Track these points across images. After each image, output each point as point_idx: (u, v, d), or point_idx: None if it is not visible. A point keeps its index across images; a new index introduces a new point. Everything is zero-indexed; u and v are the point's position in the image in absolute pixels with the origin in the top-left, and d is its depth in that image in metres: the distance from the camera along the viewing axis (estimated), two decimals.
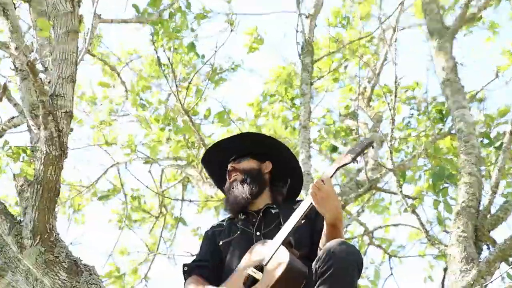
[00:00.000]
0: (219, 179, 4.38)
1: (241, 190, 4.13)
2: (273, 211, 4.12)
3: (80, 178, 8.34)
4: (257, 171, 4.20)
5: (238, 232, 4.07)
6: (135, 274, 8.29)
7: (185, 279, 4.06)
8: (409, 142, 7.22)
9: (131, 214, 8.48)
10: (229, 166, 4.23)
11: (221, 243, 4.09)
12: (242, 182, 4.15)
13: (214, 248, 4.10)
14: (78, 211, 8.51)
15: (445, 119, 6.83)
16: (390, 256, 9.14)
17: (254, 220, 4.09)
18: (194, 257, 4.17)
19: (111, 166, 8.03)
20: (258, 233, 4.02)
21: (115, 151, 7.73)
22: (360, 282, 9.05)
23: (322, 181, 3.79)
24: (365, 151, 3.99)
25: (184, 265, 4.08)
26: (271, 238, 3.85)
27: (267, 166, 4.24)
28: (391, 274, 8.95)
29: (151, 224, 8.65)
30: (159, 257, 8.47)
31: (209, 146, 4.41)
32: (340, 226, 3.80)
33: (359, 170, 8.07)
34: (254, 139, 4.29)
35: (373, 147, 4.03)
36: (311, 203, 3.80)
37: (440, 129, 6.90)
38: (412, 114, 7.60)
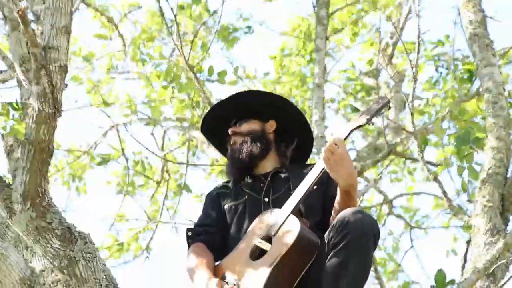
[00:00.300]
0: (223, 147, 4.35)
1: (239, 153, 4.12)
2: (283, 176, 4.11)
3: (77, 142, 8.34)
4: (260, 132, 4.18)
5: (245, 197, 4.06)
6: (136, 243, 8.33)
7: (189, 245, 4.06)
8: (435, 104, 7.17)
9: (134, 179, 8.50)
10: (230, 131, 4.20)
11: (226, 206, 4.09)
12: (242, 144, 4.13)
13: (218, 211, 4.10)
14: (79, 180, 8.52)
15: (474, 79, 6.79)
16: (411, 227, 9.16)
17: (261, 184, 4.08)
18: (197, 221, 4.15)
19: (110, 129, 8.02)
20: (266, 199, 4.02)
21: (114, 112, 7.72)
22: (378, 254, 9.09)
23: (336, 144, 3.78)
24: (382, 112, 3.97)
25: (188, 230, 4.08)
26: (281, 205, 3.85)
27: (271, 125, 4.22)
28: (412, 246, 8.97)
29: (153, 190, 8.66)
30: (162, 226, 8.50)
31: (206, 112, 4.37)
32: (354, 193, 3.79)
33: (379, 133, 8.04)
34: (254, 98, 4.24)
35: (390, 107, 4.00)
36: (323, 168, 3.78)
37: (468, 90, 6.85)
38: (441, 72, 7.53)
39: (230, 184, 4.20)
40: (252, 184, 4.12)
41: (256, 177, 4.14)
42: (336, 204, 3.85)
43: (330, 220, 3.88)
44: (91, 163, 8.39)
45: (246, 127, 4.20)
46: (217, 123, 4.29)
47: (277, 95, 4.38)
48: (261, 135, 4.17)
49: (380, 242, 9.01)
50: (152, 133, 8.50)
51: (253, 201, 4.03)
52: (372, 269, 8.46)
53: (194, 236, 4.06)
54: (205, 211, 4.17)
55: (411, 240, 9.03)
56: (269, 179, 4.09)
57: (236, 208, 4.06)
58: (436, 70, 7.53)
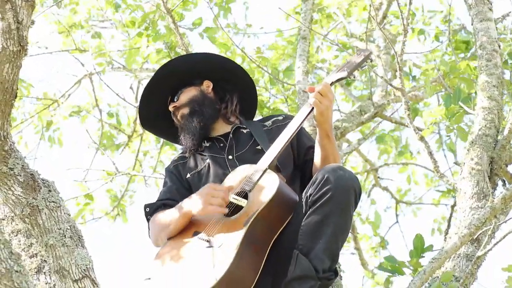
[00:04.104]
0: (170, 135, 4.30)
1: (191, 121, 4.06)
2: (245, 131, 4.09)
3: (48, 90, 8.21)
4: (200, 96, 4.12)
5: (207, 160, 4.01)
6: (113, 201, 8.27)
7: (148, 221, 3.99)
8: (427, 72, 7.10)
9: (108, 133, 8.39)
10: (170, 109, 4.15)
11: (188, 175, 4.04)
12: (192, 113, 4.07)
13: (180, 184, 4.04)
14: (54, 131, 8.36)
15: (470, 48, 6.77)
16: (397, 201, 9.14)
17: (221, 144, 4.05)
18: (158, 197, 4.09)
19: (83, 77, 7.92)
20: (230, 157, 3.98)
21: (88, 60, 7.57)
22: (361, 230, 9.07)
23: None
24: (364, 65, 3.97)
25: (146, 206, 4.00)
26: (247, 162, 3.84)
27: (207, 85, 4.18)
28: (397, 221, 8.96)
29: (127, 146, 8.55)
30: (136, 185, 8.44)
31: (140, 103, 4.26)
32: (333, 137, 3.84)
33: (368, 98, 7.97)
34: (176, 66, 4.17)
35: (371, 60, 4.02)
36: (304, 119, 3.80)
37: (463, 58, 6.81)
38: (441, 42, 7.46)
39: (187, 154, 4.14)
40: (211, 147, 4.08)
41: (214, 138, 4.11)
42: (318, 151, 3.87)
43: (304, 171, 3.94)
44: (64, 113, 8.25)
45: (184, 97, 4.15)
46: (154, 111, 4.23)
47: (199, 53, 4.33)
48: (203, 98, 4.13)
49: (363, 215, 8.99)
50: (131, 87, 8.43)
51: (216, 161, 4.00)
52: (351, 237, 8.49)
53: (153, 211, 3.99)
54: (165, 187, 4.10)
55: (397, 215, 9.03)
56: (231, 136, 4.07)
57: (200, 175, 4.02)
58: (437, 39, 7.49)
